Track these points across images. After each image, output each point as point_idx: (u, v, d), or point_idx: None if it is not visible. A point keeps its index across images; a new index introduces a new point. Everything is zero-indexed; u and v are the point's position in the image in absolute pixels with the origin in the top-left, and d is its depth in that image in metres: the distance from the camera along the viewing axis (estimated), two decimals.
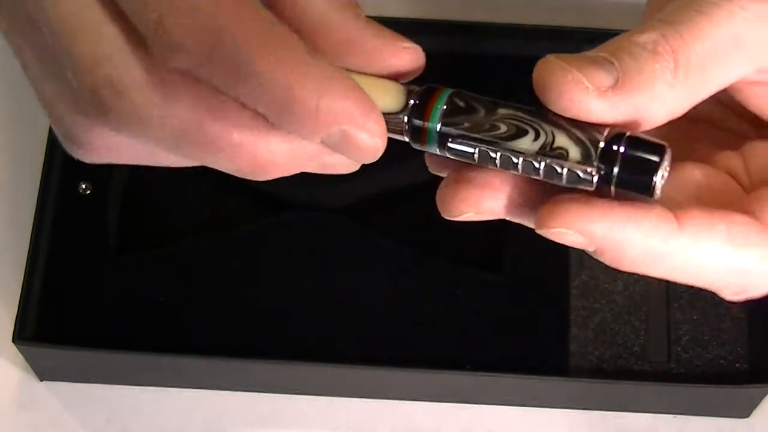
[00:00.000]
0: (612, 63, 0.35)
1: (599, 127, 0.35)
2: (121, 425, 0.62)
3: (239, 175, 0.36)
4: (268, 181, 0.66)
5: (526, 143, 0.35)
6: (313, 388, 0.62)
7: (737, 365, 0.61)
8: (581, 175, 0.35)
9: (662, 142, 0.35)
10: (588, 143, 0.35)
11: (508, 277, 0.62)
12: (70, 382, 0.63)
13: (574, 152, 0.35)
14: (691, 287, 0.38)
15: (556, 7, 0.69)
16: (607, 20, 0.65)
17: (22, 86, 0.69)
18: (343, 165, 0.37)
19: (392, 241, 0.62)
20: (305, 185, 0.63)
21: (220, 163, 0.36)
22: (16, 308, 0.60)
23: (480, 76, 0.66)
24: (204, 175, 0.65)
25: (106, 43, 0.34)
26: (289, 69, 0.33)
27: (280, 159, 0.36)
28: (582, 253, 0.62)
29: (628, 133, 0.35)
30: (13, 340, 0.59)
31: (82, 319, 0.61)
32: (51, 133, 0.63)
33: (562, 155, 0.35)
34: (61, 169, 0.63)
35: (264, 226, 0.63)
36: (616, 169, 0.34)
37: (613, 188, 0.35)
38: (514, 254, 0.62)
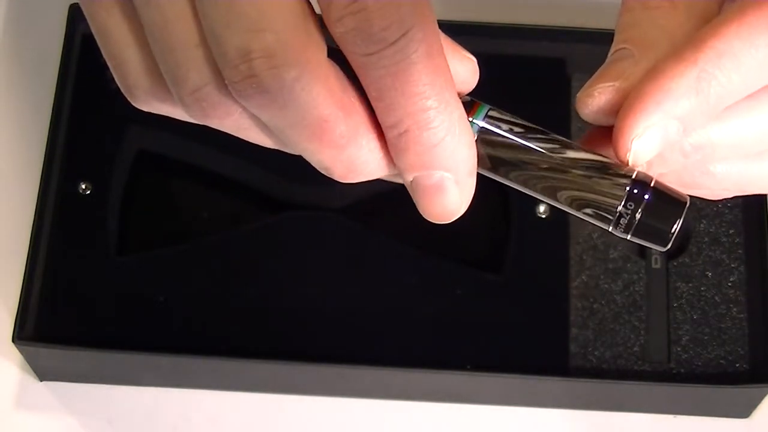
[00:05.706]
0: None
1: (625, 168, 0.35)
2: (121, 425, 0.62)
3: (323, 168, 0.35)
4: (267, 181, 0.66)
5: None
6: (313, 388, 0.62)
7: (737, 365, 0.61)
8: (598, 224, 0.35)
9: (684, 196, 0.35)
10: (603, 212, 0.35)
11: (508, 277, 0.62)
12: (70, 382, 0.63)
13: (591, 213, 0.35)
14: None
15: (557, 7, 0.69)
16: (607, 20, 0.65)
17: (23, 86, 0.69)
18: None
19: (392, 241, 0.62)
20: (305, 185, 0.63)
21: (312, 152, 0.34)
22: (16, 308, 0.60)
23: (480, 76, 0.65)
24: (204, 174, 0.65)
25: (200, 60, 0.32)
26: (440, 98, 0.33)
27: (372, 168, 0.34)
28: (582, 253, 0.63)
29: (653, 183, 0.34)
30: (13, 340, 0.59)
31: (82, 319, 0.61)
32: (51, 133, 0.63)
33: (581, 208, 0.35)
34: (61, 169, 0.63)
35: (264, 226, 0.62)
36: (637, 217, 0.34)
37: (629, 235, 0.35)
38: (515, 254, 0.62)
